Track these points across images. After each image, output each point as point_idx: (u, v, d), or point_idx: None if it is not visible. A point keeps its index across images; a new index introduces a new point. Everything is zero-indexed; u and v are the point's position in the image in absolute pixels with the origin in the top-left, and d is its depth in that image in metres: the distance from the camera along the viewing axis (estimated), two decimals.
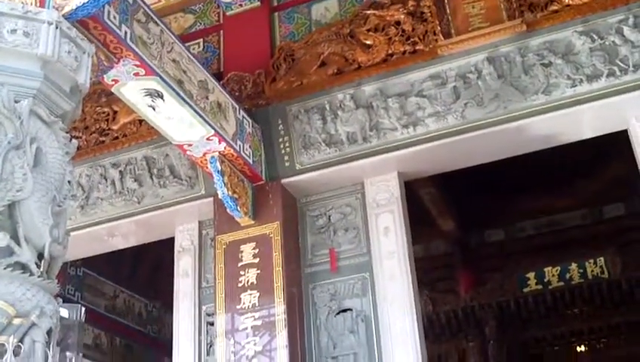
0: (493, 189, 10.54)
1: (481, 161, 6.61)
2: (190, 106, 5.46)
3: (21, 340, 3.22)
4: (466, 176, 7.74)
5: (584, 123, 6.06)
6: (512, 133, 6.08)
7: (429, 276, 11.13)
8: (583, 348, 12.72)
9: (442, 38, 6.27)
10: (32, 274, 3.39)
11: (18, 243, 3.41)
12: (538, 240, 12.03)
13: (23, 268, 3.40)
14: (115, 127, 7.20)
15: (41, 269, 3.48)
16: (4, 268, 3.30)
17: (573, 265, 11.75)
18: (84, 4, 4.08)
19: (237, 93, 6.68)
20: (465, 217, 11.40)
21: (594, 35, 5.87)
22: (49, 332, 3.38)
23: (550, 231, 12.01)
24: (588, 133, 6.24)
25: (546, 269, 11.89)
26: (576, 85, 5.86)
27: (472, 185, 9.89)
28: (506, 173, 8.99)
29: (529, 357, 12.59)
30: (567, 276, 11.78)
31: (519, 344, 12.44)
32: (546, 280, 11.88)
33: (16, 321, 3.23)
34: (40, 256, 3.50)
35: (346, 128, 6.42)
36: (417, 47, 6.37)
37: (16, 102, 3.58)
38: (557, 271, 11.82)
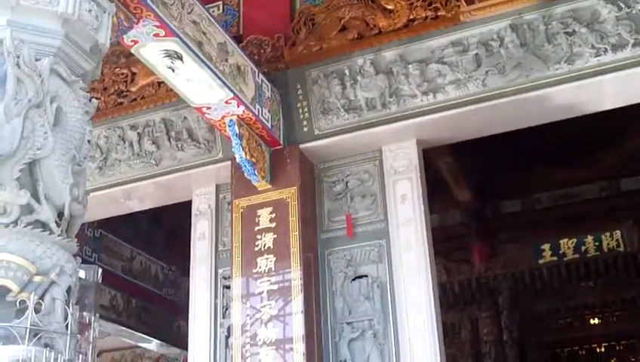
0: (510, 160, 10.48)
1: (501, 130, 6.54)
2: (209, 68, 5.42)
3: (41, 297, 3.24)
4: (484, 146, 7.69)
5: (607, 93, 5.96)
6: (533, 102, 6.00)
7: (444, 245, 11.09)
8: (596, 321, 12.73)
9: (465, 4, 6.15)
10: (52, 233, 3.39)
11: (38, 202, 3.40)
12: (554, 211, 11.95)
13: (43, 226, 3.40)
14: (133, 89, 7.20)
15: (61, 228, 3.48)
16: (25, 226, 3.29)
17: (589, 238, 11.69)
18: None
19: (256, 57, 6.63)
20: (481, 187, 11.35)
21: (620, 4, 5.72)
22: (68, 291, 3.39)
23: (567, 203, 11.92)
24: (610, 103, 6.15)
25: (561, 241, 11.84)
26: (600, 55, 5.74)
27: (489, 155, 9.83)
28: (524, 144, 8.93)
29: (541, 329, 12.62)
30: (583, 248, 11.74)
31: (532, 315, 12.47)
32: (561, 252, 11.85)
33: (37, 279, 3.25)
34: (60, 215, 3.50)
35: (366, 94, 6.36)
36: (439, 13, 6.25)
37: (36, 60, 3.55)
38: (573, 243, 11.78)
